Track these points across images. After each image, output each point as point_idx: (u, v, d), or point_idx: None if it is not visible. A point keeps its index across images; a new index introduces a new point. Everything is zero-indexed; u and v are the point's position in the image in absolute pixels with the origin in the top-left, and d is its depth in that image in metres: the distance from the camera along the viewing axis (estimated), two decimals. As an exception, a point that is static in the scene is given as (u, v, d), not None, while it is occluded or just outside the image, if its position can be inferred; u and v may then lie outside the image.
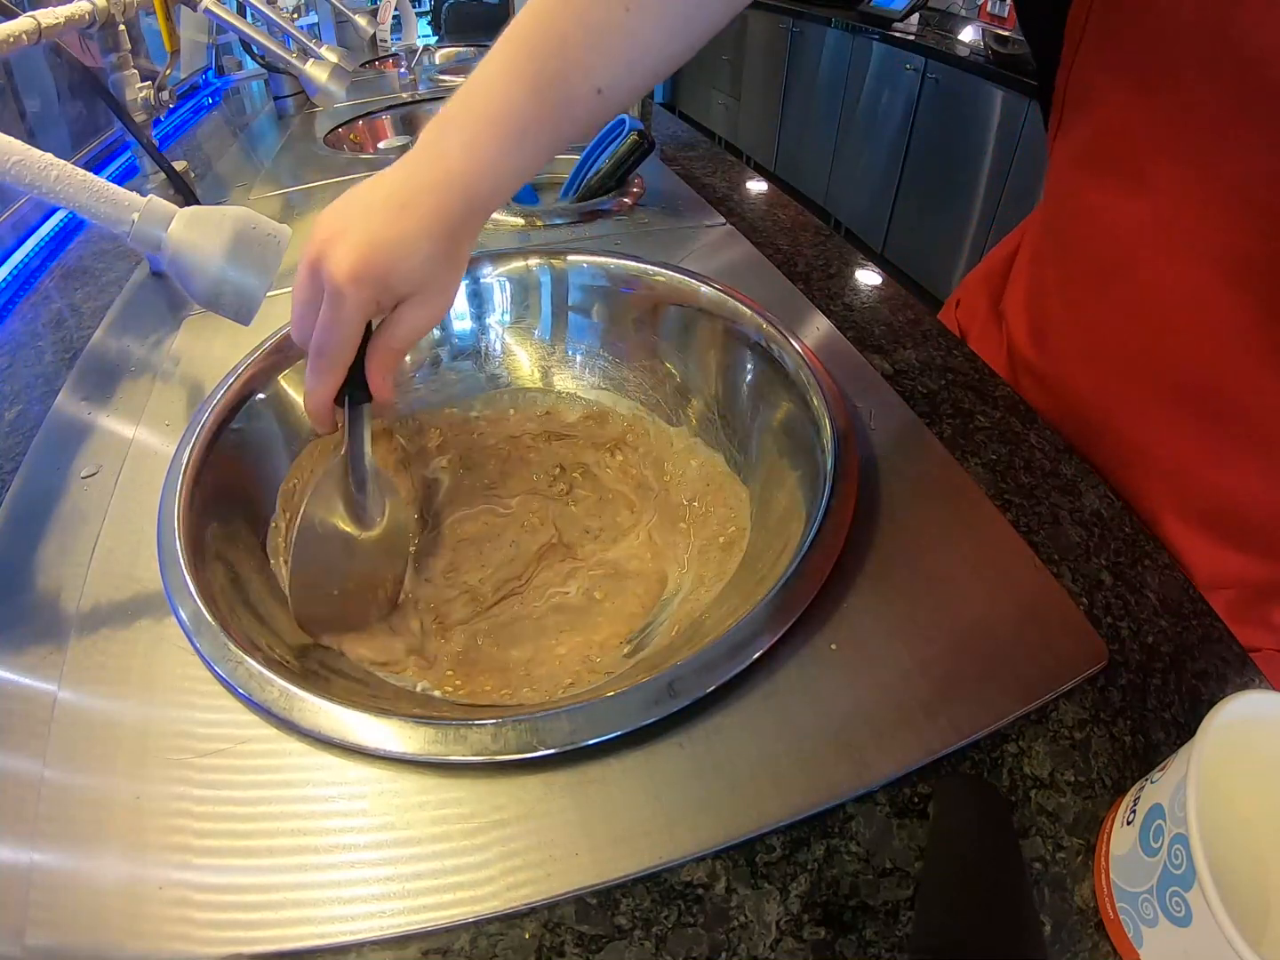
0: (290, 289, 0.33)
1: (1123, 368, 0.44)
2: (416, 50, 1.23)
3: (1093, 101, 0.42)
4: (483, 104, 0.33)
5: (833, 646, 0.31)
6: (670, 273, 0.53)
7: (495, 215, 0.68)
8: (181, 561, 0.34)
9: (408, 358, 0.55)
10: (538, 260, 0.57)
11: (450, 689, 0.38)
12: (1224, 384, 0.40)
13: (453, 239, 0.33)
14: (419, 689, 0.37)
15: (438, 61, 1.52)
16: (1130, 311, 0.43)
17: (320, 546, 0.38)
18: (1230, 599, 0.44)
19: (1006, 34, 1.86)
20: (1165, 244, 0.40)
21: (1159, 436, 0.43)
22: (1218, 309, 0.39)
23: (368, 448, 0.38)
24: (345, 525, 0.39)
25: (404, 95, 1.16)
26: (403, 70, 1.22)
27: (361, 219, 0.32)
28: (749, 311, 0.49)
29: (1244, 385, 0.39)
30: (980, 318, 0.60)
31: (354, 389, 0.36)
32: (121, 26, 0.55)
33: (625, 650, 0.40)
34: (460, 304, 0.57)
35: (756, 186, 0.78)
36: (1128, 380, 0.44)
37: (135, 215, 0.32)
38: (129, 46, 0.57)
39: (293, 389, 0.48)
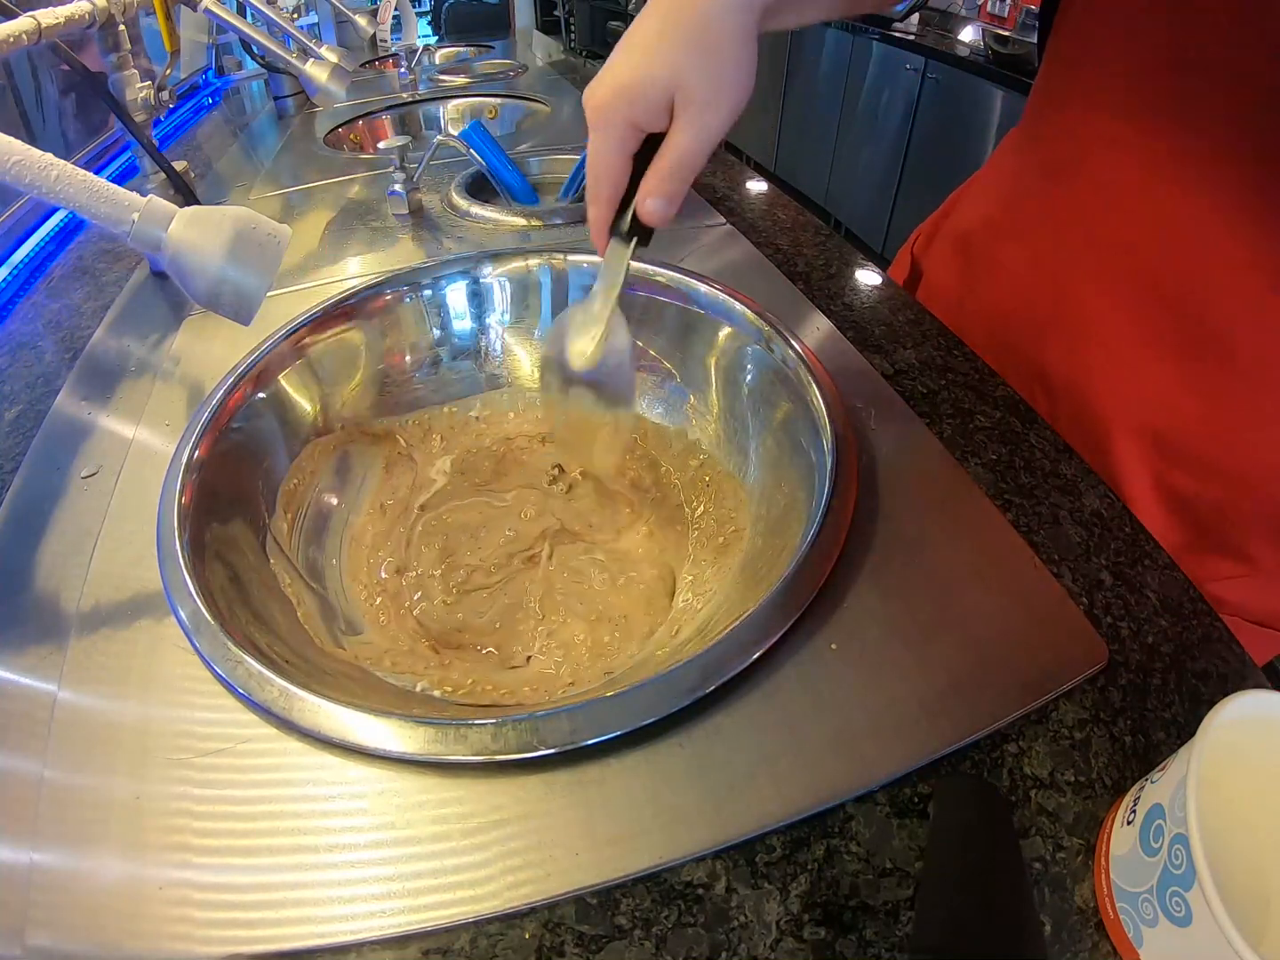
0: (291, 289, 0.34)
1: (1082, 250, 0.46)
2: (416, 50, 1.23)
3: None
4: None
5: (833, 646, 0.31)
6: (670, 273, 0.53)
7: (495, 215, 0.68)
8: (181, 561, 0.34)
9: (407, 357, 0.55)
10: (538, 260, 0.57)
11: (450, 688, 0.38)
12: (1171, 277, 0.42)
13: (703, 38, 0.32)
14: (419, 689, 0.37)
15: (438, 61, 1.52)
16: (1100, 196, 0.45)
17: (552, 370, 0.41)
18: (1181, 525, 0.46)
19: (1006, 34, 1.86)
20: (1132, 137, 0.43)
21: (1110, 322, 0.45)
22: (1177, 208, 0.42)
23: (615, 289, 0.38)
24: (572, 356, 0.40)
25: (404, 95, 1.16)
26: (403, 70, 1.22)
27: (617, 49, 0.34)
28: (749, 311, 0.49)
29: (1196, 283, 0.42)
30: (942, 242, 0.62)
31: (626, 225, 0.36)
32: (121, 26, 0.55)
33: (625, 652, 0.40)
34: (460, 304, 0.57)
35: (756, 186, 0.78)
36: (1088, 258, 0.46)
37: (135, 215, 0.32)
38: (129, 46, 0.57)
39: (293, 389, 0.48)
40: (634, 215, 0.36)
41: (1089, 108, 0.45)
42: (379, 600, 0.43)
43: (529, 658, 0.40)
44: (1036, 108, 0.51)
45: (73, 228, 0.76)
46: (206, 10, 0.66)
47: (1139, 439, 0.45)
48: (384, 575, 0.44)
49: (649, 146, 0.35)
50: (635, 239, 0.37)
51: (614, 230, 0.37)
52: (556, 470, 0.51)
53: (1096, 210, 0.45)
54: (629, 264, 0.37)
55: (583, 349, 0.40)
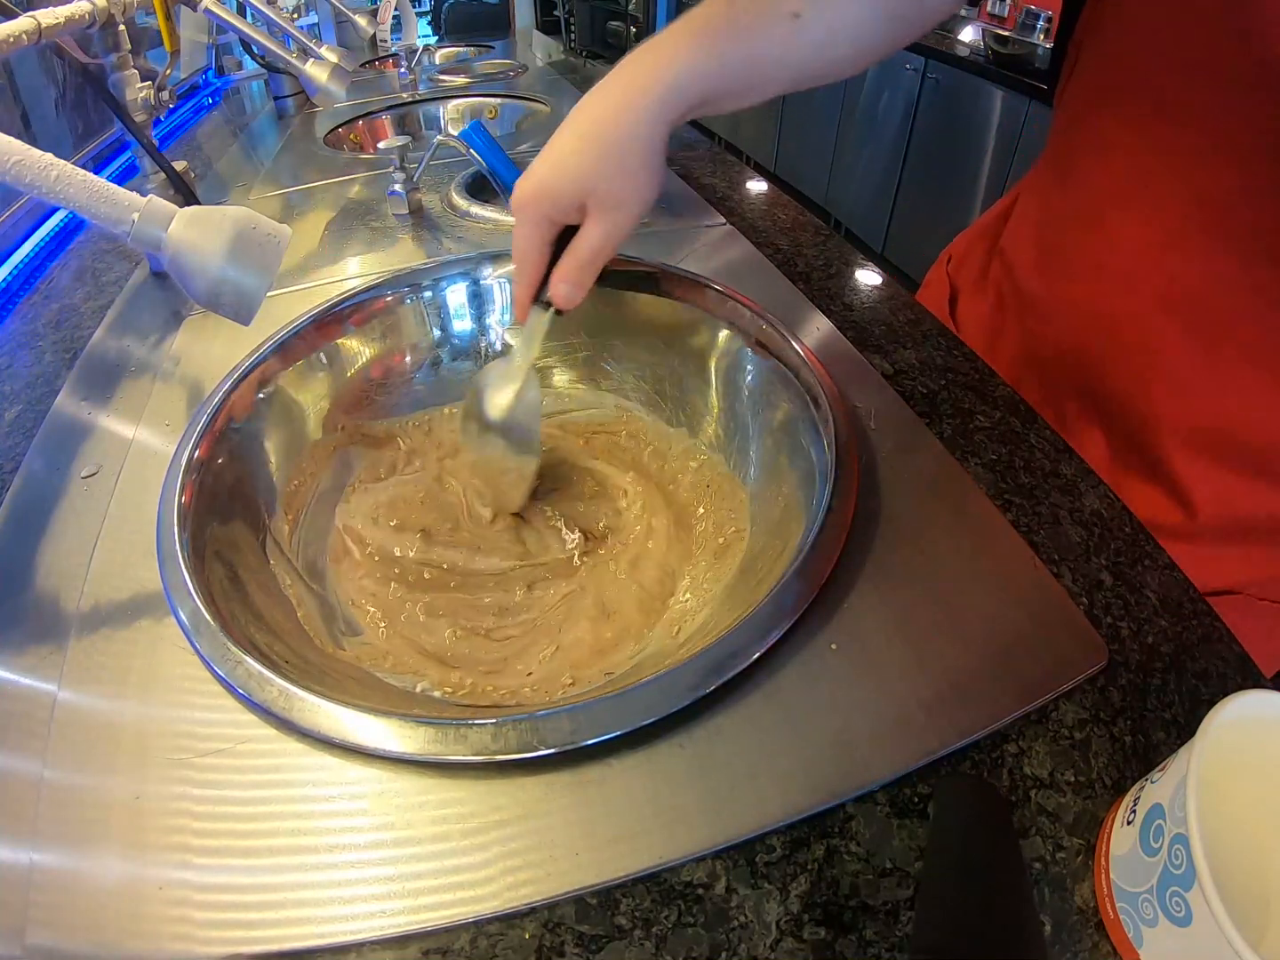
0: (291, 289, 0.34)
1: (1123, 283, 0.46)
2: (416, 50, 1.23)
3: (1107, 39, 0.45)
4: (679, 20, 0.37)
5: (833, 646, 0.31)
6: (670, 273, 0.53)
7: (495, 215, 0.68)
8: (181, 561, 0.34)
9: (408, 358, 0.55)
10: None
11: (450, 689, 0.38)
12: (1212, 302, 0.43)
13: (614, 152, 0.36)
14: (419, 689, 0.37)
15: (438, 61, 1.52)
16: (1129, 233, 0.46)
17: (470, 415, 0.46)
18: (1226, 529, 0.46)
19: (1006, 34, 1.86)
20: (1155, 177, 0.43)
21: (1161, 351, 0.46)
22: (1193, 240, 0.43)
23: (532, 350, 0.44)
24: (489, 407, 0.46)
25: (404, 95, 1.16)
26: (403, 70, 1.22)
27: (543, 153, 0.38)
28: (749, 311, 0.49)
29: (1228, 304, 0.42)
30: (974, 267, 0.62)
31: (543, 293, 0.41)
32: (121, 26, 0.55)
33: (626, 652, 0.40)
34: (460, 305, 0.57)
35: (756, 186, 0.78)
36: (1130, 294, 0.46)
37: (135, 215, 0.32)
38: (129, 46, 0.57)
39: (293, 389, 0.48)
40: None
41: (1120, 150, 0.45)
42: (376, 613, 0.42)
43: (530, 674, 0.40)
44: (1061, 150, 0.51)
45: (73, 228, 0.76)
46: (206, 10, 0.66)
47: (1203, 449, 0.46)
48: (383, 585, 0.44)
49: (567, 234, 0.39)
50: (553, 309, 0.42)
51: (536, 300, 0.42)
52: (558, 470, 0.51)
53: (1137, 250, 0.45)
54: (546, 330, 0.43)
55: (500, 401, 0.45)
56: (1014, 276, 0.55)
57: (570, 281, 0.40)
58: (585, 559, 0.45)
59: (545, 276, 0.40)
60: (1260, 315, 0.42)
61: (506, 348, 0.57)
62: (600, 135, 0.37)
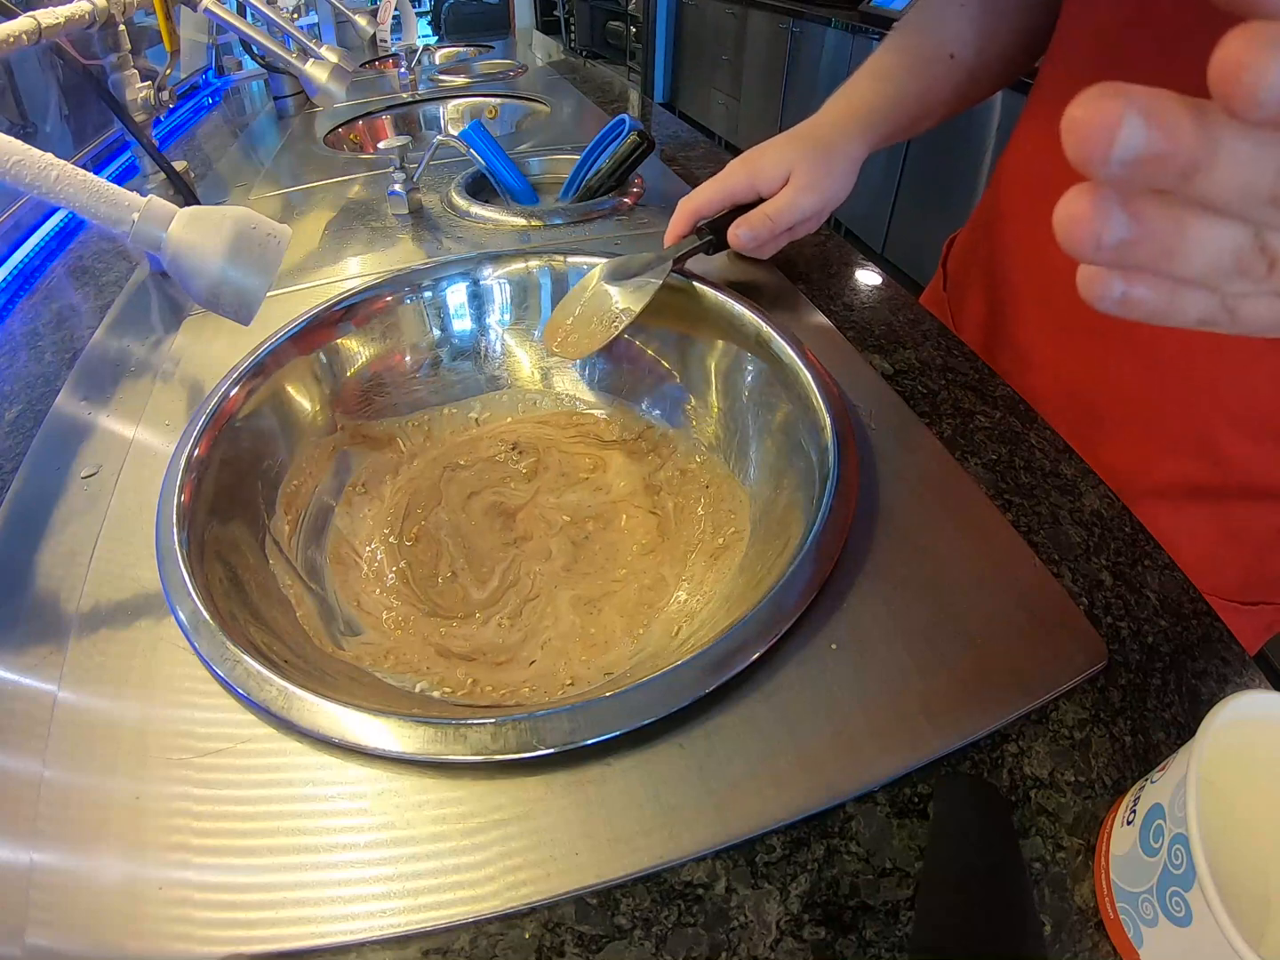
0: (291, 289, 0.34)
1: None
2: (416, 50, 1.23)
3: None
4: (865, 66, 0.51)
5: (833, 646, 0.31)
6: (669, 274, 0.53)
7: (495, 215, 0.68)
8: (180, 561, 0.34)
9: (407, 358, 0.55)
10: (538, 262, 0.57)
11: (449, 689, 0.38)
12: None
13: (817, 149, 0.47)
14: (418, 689, 0.37)
15: (438, 61, 1.53)
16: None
17: (585, 281, 0.52)
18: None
19: (1006, 34, 1.86)
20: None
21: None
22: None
23: (671, 253, 0.50)
24: (606, 271, 0.52)
25: (404, 95, 1.16)
26: (403, 70, 1.22)
27: (760, 146, 0.49)
28: (749, 312, 0.49)
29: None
30: (969, 257, 0.65)
31: (710, 227, 0.51)
32: (121, 26, 0.55)
33: (625, 652, 0.40)
34: (460, 305, 0.57)
35: (756, 186, 0.78)
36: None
37: (135, 215, 0.32)
38: (129, 46, 0.57)
39: (293, 389, 0.48)
40: (712, 229, 0.51)
41: None
42: (382, 614, 0.43)
43: (532, 662, 0.40)
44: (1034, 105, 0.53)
45: (73, 228, 0.76)
46: (206, 10, 0.66)
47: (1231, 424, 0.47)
48: (381, 586, 0.44)
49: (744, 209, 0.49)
50: (707, 239, 0.50)
51: (696, 230, 0.51)
52: (557, 470, 0.51)
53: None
54: (691, 251, 0.50)
55: (622, 275, 0.51)
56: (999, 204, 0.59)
57: (749, 228, 0.47)
58: (583, 559, 0.45)
59: (705, 220, 0.50)
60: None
61: (507, 348, 0.57)
62: (813, 139, 0.47)
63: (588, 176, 0.72)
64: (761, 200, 0.50)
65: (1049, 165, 0.49)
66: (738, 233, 0.48)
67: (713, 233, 0.51)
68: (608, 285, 0.51)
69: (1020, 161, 0.54)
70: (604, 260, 0.53)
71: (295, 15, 1.22)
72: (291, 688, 0.29)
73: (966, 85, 0.51)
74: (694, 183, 0.76)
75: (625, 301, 0.49)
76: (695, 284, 0.52)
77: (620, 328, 0.48)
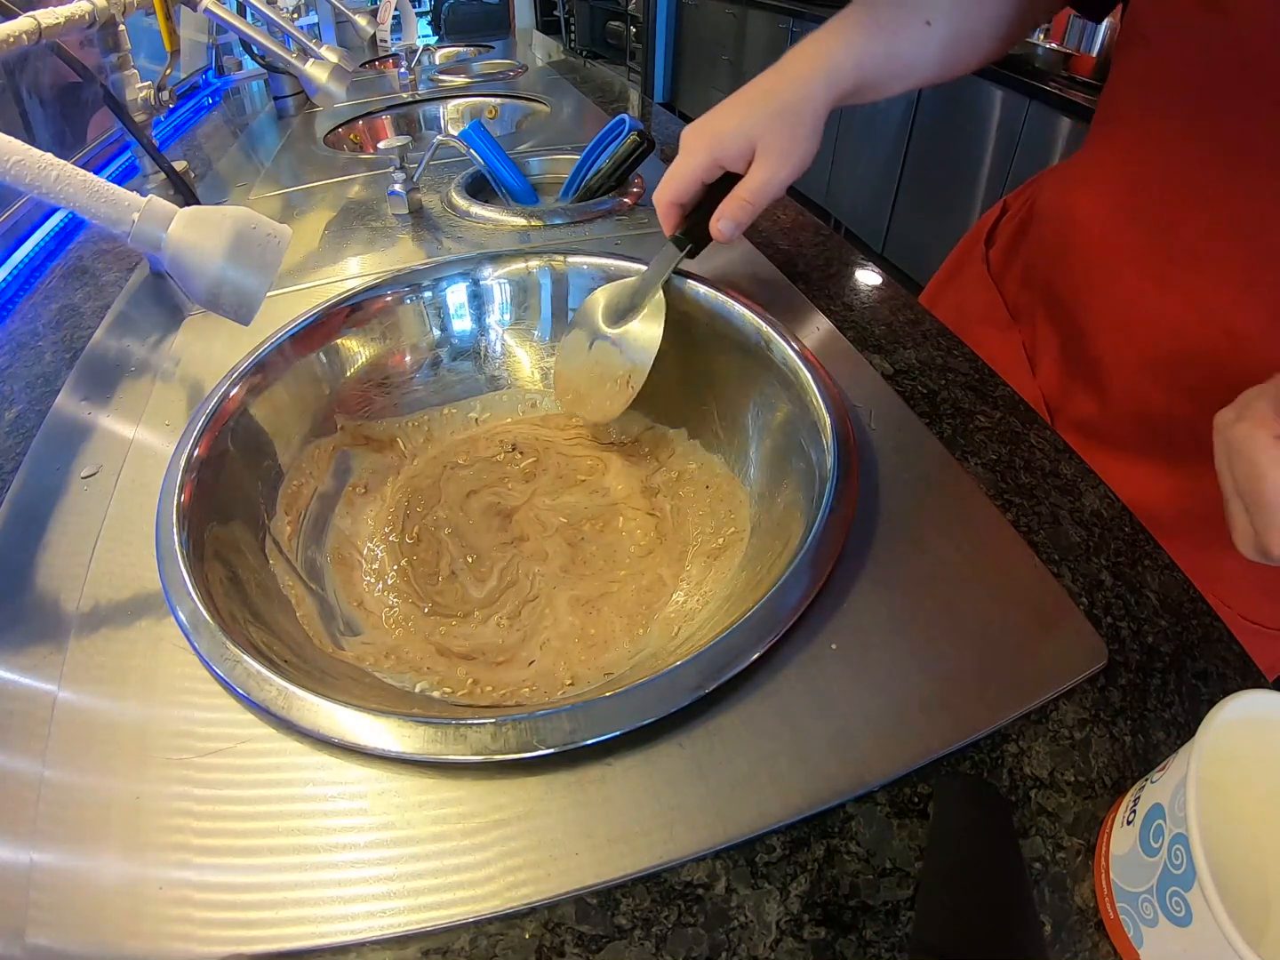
0: (291, 289, 0.34)
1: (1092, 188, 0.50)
2: (416, 50, 1.23)
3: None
4: (833, 20, 0.46)
5: (833, 646, 0.31)
6: (670, 273, 0.53)
7: (495, 215, 0.68)
8: (180, 561, 0.34)
9: (407, 358, 0.55)
10: (538, 262, 0.57)
11: (449, 689, 0.38)
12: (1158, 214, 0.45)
13: (782, 110, 0.43)
14: (418, 689, 0.37)
15: (438, 61, 1.52)
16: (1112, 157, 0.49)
17: (578, 327, 0.51)
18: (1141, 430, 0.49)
19: (1006, 34, 1.86)
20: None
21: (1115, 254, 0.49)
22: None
23: (658, 278, 0.49)
24: (600, 319, 0.51)
25: (404, 95, 1.16)
26: (403, 70, 1.22)
27: (718, 109, 0.44)
28: (749, 312, 0.49)
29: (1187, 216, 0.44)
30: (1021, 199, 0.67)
31: (686, 234, 0.47)
32: (121, 27, 0.55)
33: (625, 652, 0.40)
34: (460, 305, 0.57)
35: (756, 186, 0.78)
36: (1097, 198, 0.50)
37: (135, 215, 0.32)
38: (129, 46, 0.57)
39: (292, 389, 0.48)
40: (690, 230, 0.47)
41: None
42: (383, 613, 0.43)
43: (531, 662, 0.40)
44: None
45: (73, 228, 0.76)
46: (206, 10, 0.66)
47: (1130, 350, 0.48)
48: (381, 585, 0.44)
49: (713, 189, 0.45)
50: (688, 248, 0.47)
51: (672, 238, 0.48)
52: (558, 470, 0.51)
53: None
54: (675, 265, 0.48)
55: (618, 319, 0.50)
56: (1039, 198, 0.60)
57: (732, 217, 0.45)
58: (580, 560, 0.45)
59: (687, 209, 0.47)
60: (1211, 226, 0.42)
61: (507, 348, 0.57)
62: (773, 98, 0.43)
63: (588, 176, 0.72)
64: (728, 174, 0.46)
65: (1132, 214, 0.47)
66: (719, 226, 0.45)
67: (688, 223, 0.48)
68: (609, 331, 0.50)
69: (1096, 194, 0.51)
70: (597, 290, 0.51)
71: (295, 15, 1.22)
72: (291, 688, 0.29)
73: (939, 56, 0.48)
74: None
75: (633, 354, 0.49)
76: (695, 284, 0.52)
77: (637, 387, 0.48)
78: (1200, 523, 0.44)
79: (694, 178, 0.45)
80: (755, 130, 0.42)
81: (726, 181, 0.45)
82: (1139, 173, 0.46)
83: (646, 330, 0.49)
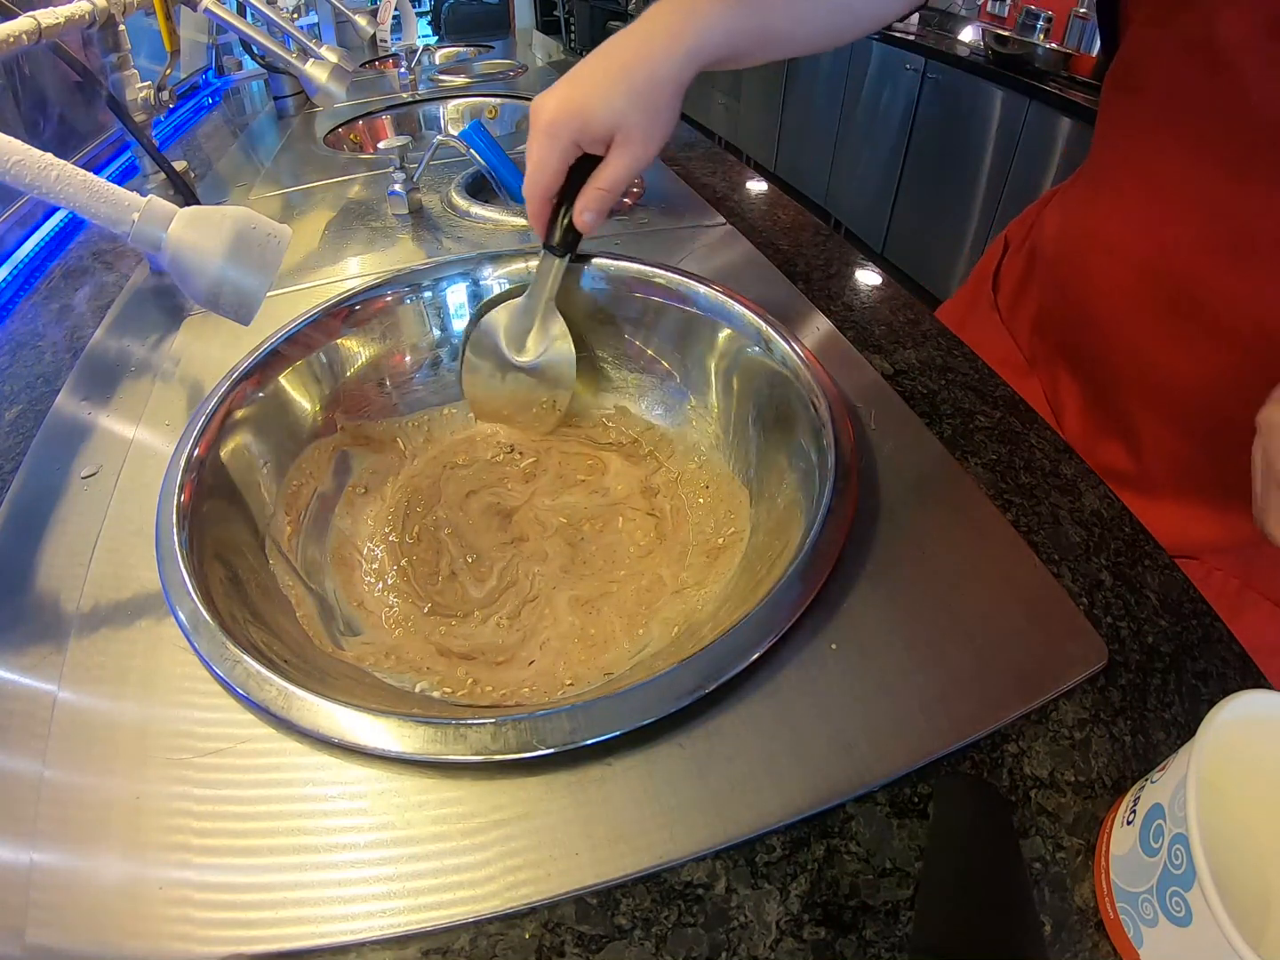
0: (291, 289, 0.34)
1: (1121, 262, 0.49)
2: (416, 50, 1.23)
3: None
4: None
5: (833, 646, 0.31)
6: (670, 273, 0.53)
7: (495, 215, 0.68)
8: (180, 561, 0.34)
9: (407, 358, 0.55)
10: (537, 262, 0.57)
11: (449, 689, 0.38)
12: (1181, 277, 0.45)
13: (646, 89, 0.40)
14: (418, 689, 0.37)
15: (438, 61, 1.52)
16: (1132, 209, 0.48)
17: (483, 355, 0.50)
18: (1176, 483, 0.49)
19: (1006, 34, 1.86)
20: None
21: (1134, 317, 0.48)
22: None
23: (547, 293, 0.47)
24: (505, 348, 0.50)
25: (404, 95, 1.16)
26: (403, 70, 1.22)
27: (568, 78, 0.41)
28: (749, 312, 0.49)
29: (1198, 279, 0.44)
30: (1024, 226, 0.65)
31: (558, 239, 0.45)
32: (121, 27, 0.55)
33: (625, 652, 0.40)
34: (460, 305, 0.57)
35: (756, 186, 0.78)
36: (1120, 269, 0.49)
37: (135, 215, 0.32)
38: (129, 46, 0.57)
39: (293, 389, 0.48)
40: (564, 230, 0.45)
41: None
42: (383, 612, 0.43)
43: (531, 662, 0.40)
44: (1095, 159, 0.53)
45: (73, 228, 0.76)
46: (206, 10, 0.66)
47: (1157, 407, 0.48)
48: (381, 585, 0.44)
49: (571, 170, 0.42)
50: (567, 256, 0.46)
51: (546, 246, 0.46)
52: (558, 470, 0.51)
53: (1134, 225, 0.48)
54: (559, 272, 0.47)
55: (523, 341, 0.49)
56: (1042, 239, 0.58)
57: (594, 209, 0.43)
58: (580, 560, 0.45)
59: (558, 197, 0.44)
60: (1230, 293, 0.43)
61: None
62: (634, 73, 0.39)
63: (587, 176, 0.72)
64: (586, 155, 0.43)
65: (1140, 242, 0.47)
66: (585, 219, 0.43)
67: (557, 224, 0.45)
68: (519, 360, 0.50)
69: (1103, 227, 0.51)
70: (492, 312, 0.51)
71: (295, 15, 1.22)
72: (291, 688, 0.29)
73: (826, 20, 0.45)
74: (694, 183, 0.76)
75: (553, 381, 0.50)
76: (695, 283, 0.52)
77: (564, 408, 0.50)
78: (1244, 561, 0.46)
79: (561, 167, 0.42)
80: (617, 113, 0.40)
81: (584, 164, 0.43)
82: (1160, 240, 0.45)
83: (557, 353, 0.49)
